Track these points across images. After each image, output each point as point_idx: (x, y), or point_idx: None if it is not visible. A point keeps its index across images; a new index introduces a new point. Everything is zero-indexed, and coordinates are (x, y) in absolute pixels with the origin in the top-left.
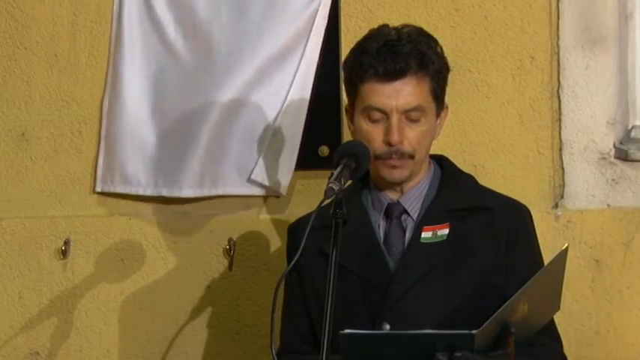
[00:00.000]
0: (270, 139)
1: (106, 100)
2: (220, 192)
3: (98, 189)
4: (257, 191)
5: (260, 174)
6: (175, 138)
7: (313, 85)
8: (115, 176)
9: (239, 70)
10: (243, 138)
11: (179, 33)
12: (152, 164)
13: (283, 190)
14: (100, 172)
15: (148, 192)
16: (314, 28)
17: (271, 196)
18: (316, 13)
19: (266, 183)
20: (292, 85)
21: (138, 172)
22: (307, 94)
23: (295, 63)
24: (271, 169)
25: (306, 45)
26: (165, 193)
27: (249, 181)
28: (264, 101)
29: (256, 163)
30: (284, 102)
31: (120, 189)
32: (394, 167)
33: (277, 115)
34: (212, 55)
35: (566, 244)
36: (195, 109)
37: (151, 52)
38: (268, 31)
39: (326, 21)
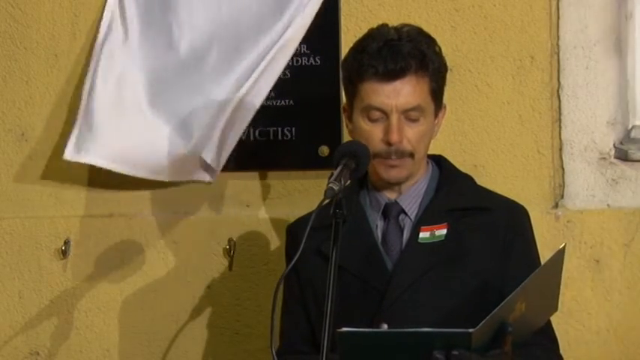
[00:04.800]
0: (222, 127)
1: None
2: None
3: (67, 156)
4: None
5: (210, 156)
6: (166, 130)
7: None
8: (94, 148)
9: (238, 70)
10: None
11: (177, 31)
12: (140, 150)
13: (213, 178)
14: (73, 138)
15: (125, 170)
16: (291, 26)
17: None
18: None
19: (214, 165)
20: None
21: (124, 154)
22: (265, 90)
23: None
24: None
25: (277, 40)
26: (142, 174)
27: (201, 159)
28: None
29: (207, 146)
30: (237, 92)
31: (92, 160)
32: (393, 167)
33: (230, 106)
34: (210, 53)
35: (564, 244)
36: (194, 108)
37: (150, 51)
38: (265, 29)
39: (307, 25)
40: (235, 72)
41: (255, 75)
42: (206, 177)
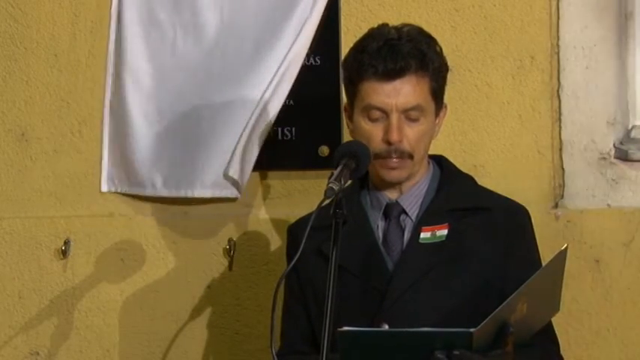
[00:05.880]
0: (246, 139)
1: (107, 100)
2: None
3: (104, 189)
4: (218, 192)
5: (234, 170)
6: (174, 138)
7: (296, 87)
8: (119, 176)
9: (238, 69)
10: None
11: (179, 32)
12: (152, 164)
13: (241, 191)
14: (104, 172)
15: (148, 192)
16: (302, 32)
17: (229, 198)
18: (311, 18)
19: (238, 180)
20: (268, 86)
21: (140, 173)
22: (282, 97)
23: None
24: (240, 167)
25: (291, 46)
26: (165, 194)
27: (225, 177)
28: (263, 102)
29: (231, 160)
30: (259, 102)
31: (125, 189)
32: (393, 168)
33: (252, 115)
34: (212, 55)
35: (566, 245)
36: (194, 109)
37: (150, 51)
38: (270, 31)
39: (315, 28)
40: (254, 82)
41: (274, 84)
42: (233, 192)
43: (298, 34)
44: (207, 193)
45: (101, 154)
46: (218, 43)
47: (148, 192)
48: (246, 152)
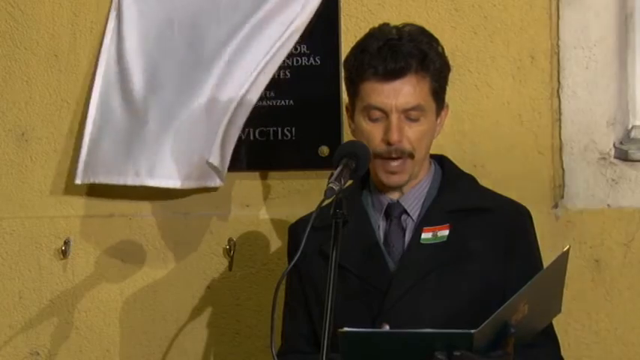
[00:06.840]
0: (225, 128)
1: (95, 96)
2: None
3: (78, 181)
4: (195, 183)
5: (214, 157)
6: (170, 134)
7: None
8: (96, 168)
9: (237, 70)
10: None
11: (178, 32)
12: (142, 157)
13: (222, 178)
14: (81, 164)
15: (129, 182)
16: (290, 26)
17: (209, 188)
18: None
19: (219, 167)
20: (248, 78)
21: (128, 165)
22: (260, 87)
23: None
24: (220, 155)
25: (276, 40)
26: (152, 183)
27: (208, 165)
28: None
29: (212, 148)
30: (239, 95)
31: (106, 180)
32: (393, 173)
33: (233, 105)
34: (209, 54)
35: (568, 246)
36: (193, 108)
37: (150, 51)
38: (265, 29)
39: (304, 25)
40: (239, 71)
41: (256, 73)
42: (216, 181)
43: (286, 29)
44: (191, 185)
45: (80, 147)
46: (215, 42)
47: (130, 181)
48: (225, 141)
